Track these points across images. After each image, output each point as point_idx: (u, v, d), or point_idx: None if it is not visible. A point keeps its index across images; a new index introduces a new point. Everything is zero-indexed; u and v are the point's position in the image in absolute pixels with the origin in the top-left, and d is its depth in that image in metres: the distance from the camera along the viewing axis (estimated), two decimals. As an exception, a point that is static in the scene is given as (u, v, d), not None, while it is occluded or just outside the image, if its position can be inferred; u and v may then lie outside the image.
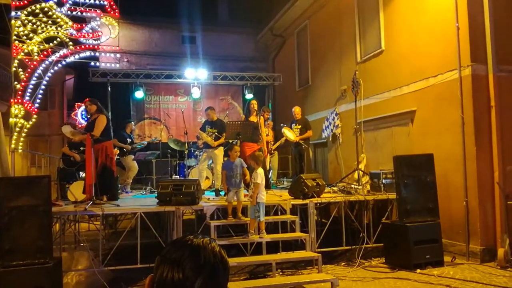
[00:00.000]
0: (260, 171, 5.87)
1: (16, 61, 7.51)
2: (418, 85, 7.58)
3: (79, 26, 8.05)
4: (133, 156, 9.43)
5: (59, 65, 8.08)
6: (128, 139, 9.48)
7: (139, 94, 12.23)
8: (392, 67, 8.41)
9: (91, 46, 8.19)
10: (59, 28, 7.78)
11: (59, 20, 7.78)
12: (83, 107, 14.36)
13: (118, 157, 8.93)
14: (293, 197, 6.79)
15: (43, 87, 7.79)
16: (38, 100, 7.73)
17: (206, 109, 8.61)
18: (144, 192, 9.17)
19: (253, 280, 5.62)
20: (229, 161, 6.33)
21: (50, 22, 7.74)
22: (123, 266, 5.86)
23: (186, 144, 9.74)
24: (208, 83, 12.99)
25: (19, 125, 7.40)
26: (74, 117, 16.83)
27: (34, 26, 7.62)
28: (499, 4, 6.61)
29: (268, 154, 9.07)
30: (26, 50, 7.57)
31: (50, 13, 7.73)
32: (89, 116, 7.05)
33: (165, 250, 1.23)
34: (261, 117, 8.38)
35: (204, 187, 8.37)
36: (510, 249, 5.99)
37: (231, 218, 6.12)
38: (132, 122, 10.31)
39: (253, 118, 8.42)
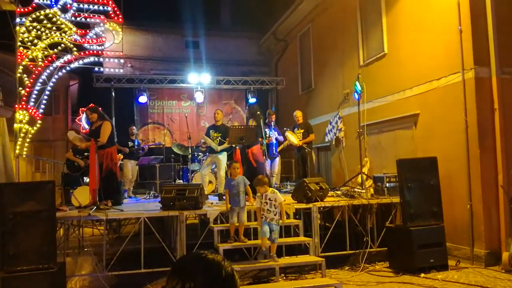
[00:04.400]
0: (274, 190, 5.71)
1: (20, 67, 7.58)
2: (421, 88, 7.56)
3: (83, 32, 8.12)
4: (130, 162, 9.37)
5: (63, 70, 8.16)
6: (129, 143, 9.43)
7: (142, 99, 12.30)
8: (395, 71, 8.40)
9: (95, 51, 8.26)
10: (63, 34, 7.85)
11: (63, 26, 7.86)
12: (87, 113, 14.36)
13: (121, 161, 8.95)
14: (296, 201, 6.77)
15: (47, 92, 7.86)
16: (42, 106, 7.80)
17: (215, 110, 8.53)
18: (148, 197, 9.19)
19: (257, 285, 5.60)
20: (230, 179, 6.04)
21: (54, 28, 7.81)
22: (126, 271, 5.86)
23: (190, 148, 9.73)
24: (212, 87, 13.05)
25: (24, 130, 7.46)
26: (78, 122, 16.92)
27: (39, 32, 7.70)
28: (502, 7, 6.60)
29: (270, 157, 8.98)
30: (30, 56, 7.65)
31: (54, 19, 7.81)
32: (90, 123, 7.09)
33: (178, 261, 1.27)
34: (261, 118, 8.34)
35: (208, 192, 8.38)
36: (515, 252, 5.95)
37: (233, 240, 5.90)
38: (133, 126, 10.11)
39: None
